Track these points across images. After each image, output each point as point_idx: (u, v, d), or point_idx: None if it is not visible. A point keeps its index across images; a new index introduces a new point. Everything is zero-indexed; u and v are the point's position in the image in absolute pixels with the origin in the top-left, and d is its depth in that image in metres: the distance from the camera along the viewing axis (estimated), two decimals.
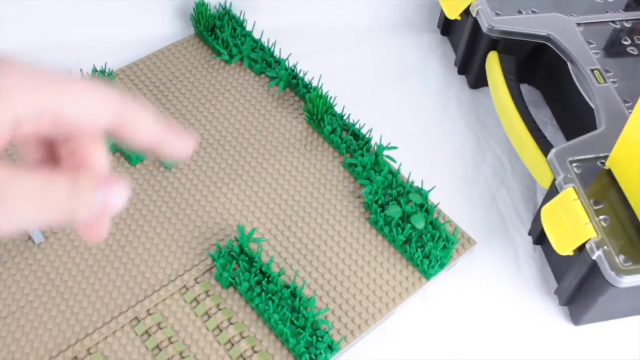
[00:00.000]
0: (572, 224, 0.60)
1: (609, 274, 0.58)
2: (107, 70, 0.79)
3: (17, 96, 0.27)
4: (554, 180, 0.64)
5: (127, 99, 0.31)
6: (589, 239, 0.59)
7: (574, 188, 0.62)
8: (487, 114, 0.82)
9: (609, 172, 0.63)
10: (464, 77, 0.86)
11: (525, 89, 0.83)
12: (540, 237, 0.69)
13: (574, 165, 0.64)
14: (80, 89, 0.29)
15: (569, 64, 0.74)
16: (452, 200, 0.72)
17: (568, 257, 0.62)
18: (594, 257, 0.59)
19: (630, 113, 0.61)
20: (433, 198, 0.71)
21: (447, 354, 0.63)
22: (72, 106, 0.29)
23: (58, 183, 0.28)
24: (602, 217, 0.60)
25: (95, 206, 0.30)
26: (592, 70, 0.71)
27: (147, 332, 0.61)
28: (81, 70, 0.77)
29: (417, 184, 0.71)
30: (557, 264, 0.68)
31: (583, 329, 0.66)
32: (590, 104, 0.70)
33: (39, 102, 0.28)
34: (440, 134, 0.80)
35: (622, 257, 0.58)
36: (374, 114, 0.77)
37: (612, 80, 0.71)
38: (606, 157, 0.64)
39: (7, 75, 0.27)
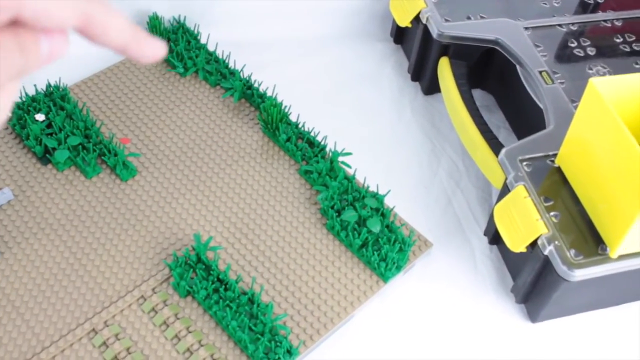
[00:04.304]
0: (523, 220, 0.61)
1: (560, 268, 0.58)
2: (62, 85, 0.78)
3: None
4: (506, 179, 0.65)
5: None
6: (540, 235, 0.60)
7: (524, 186, 0.63)
8: (441, 119, 0.83)
9: (559, 170, 0.65)
10: (417, 83, 0.87)
11: (478, 93, 0.84)
12: (495, 237, 0.70)
13: (524, 163, 0.65)
14: None
15: (517, 66, 0.75)
16: (408, 204, 0.73)
17: (522, 254, 0.63)
18: (546, 252, 0.59)
19: None
20: (389, 202, 0.71)
21: (406, 356, 0.64)
22: (34, 5, 0.27)
23: (5, 43, 0.28)
24: (552, 213, 0.61)
25: (44, 55, 0.30)
26: (540, 72, 0.73)
27: (104, 343, 0.61)
28: (35, 85, 0.77)
29: (373, 188, 0.72)
30: (512, 262, 0.69)
31: (540, 326, 0.66)
32: (539, 104, 0.72)
33: None
34: (395, 139, 0.81)
35: (572, 251, 0.59)
36: (330, 121, 0.78)
37: (559, 81, 0.72)
38: (555, 155, 0.65)
39: None
